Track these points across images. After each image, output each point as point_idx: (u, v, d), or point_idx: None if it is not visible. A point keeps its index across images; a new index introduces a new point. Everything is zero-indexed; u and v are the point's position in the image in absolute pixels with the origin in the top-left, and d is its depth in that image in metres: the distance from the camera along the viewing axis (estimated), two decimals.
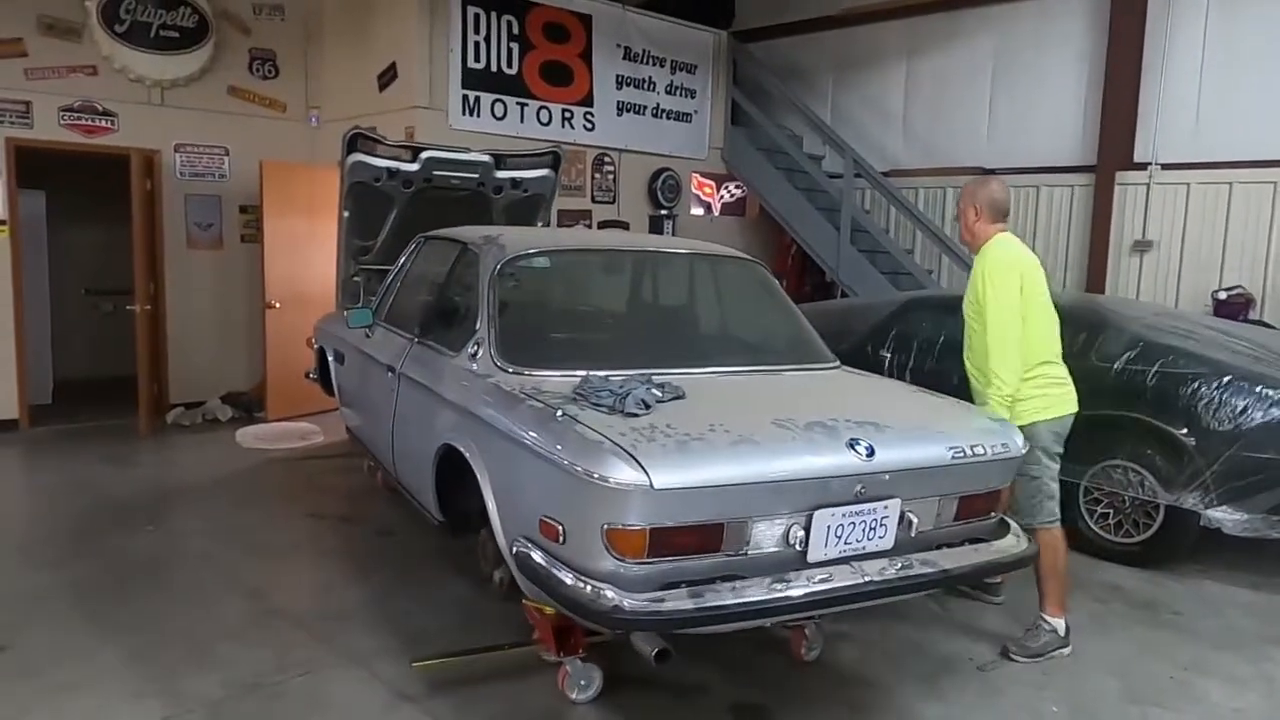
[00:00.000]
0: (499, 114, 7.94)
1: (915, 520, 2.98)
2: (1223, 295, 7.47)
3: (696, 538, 2.70)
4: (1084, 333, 5.24)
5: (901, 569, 2.90)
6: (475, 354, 3.57)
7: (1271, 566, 4.88)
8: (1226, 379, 4.64)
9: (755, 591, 2.70)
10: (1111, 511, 5.00)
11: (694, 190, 9.82)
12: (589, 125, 8.59)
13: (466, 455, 3.40)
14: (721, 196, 10.12)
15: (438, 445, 3.62)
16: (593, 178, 8.76)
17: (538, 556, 2.87)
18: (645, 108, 9.08)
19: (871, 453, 2.87)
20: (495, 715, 3.23)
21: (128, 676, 3.43)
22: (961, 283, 8.42)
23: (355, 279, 6.53)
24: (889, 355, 5.92)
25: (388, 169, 6.06)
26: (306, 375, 6.55)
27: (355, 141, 5.90)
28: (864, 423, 3.05)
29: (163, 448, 7.05)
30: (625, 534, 2.62)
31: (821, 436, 2.91)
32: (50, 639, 3.73)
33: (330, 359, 5.69)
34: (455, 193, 6.37)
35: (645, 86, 9.04)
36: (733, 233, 10.03)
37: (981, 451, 3.11)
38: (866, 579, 2.84)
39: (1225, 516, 4.58)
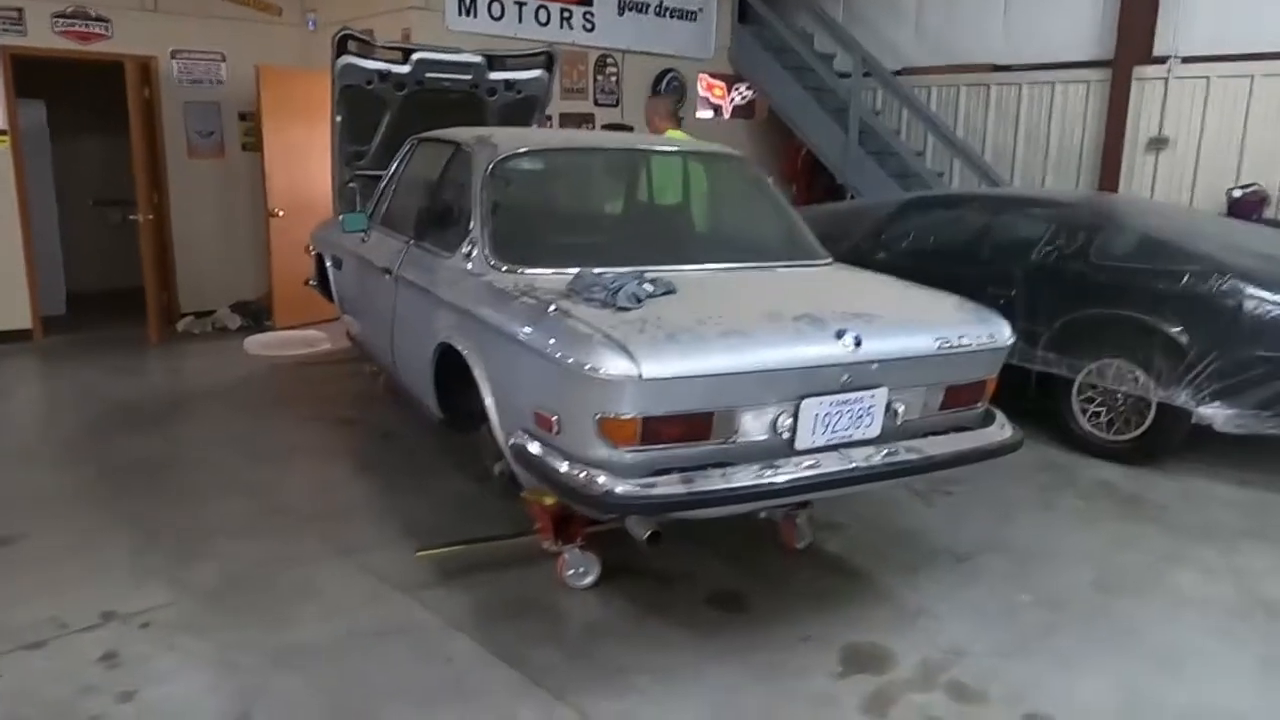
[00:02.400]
0: (496, 14, 7.76)
1: (901, 409, 3.04)
2: (1238, 193, 7.31)
3: (686, 426, 2.77)
4: (1082, 230, 5.20)
5: (887, 456, 2.98)
6: (470, 254, 3.61)
7: (1259, 463, 4.90)
8: (1221, 277, 4.59)
9: (744, 477, 2.78)
10: (1104, 410, 5.02)
11: (703, 92, 9.61)
12: (589, 25, 8.37)
13: (464, 353, 3.45)
14: (732, 99, 9.90)
15: (436, 344, 3.68)
16: (595, 80, 8.60)
17: (533, 447, 2.95)
18: (648, 6, 8.82)
19: (859, 343, 2.91)
20: (483, 601, 3.36)
21: (130, 568, 3.59)
22: (972, 184, 8.30)
23: (350, 185, 6.49)
24: (885, 255, 5.88)
25: (379, 71, 5.96)
26: (306, 283, 6.61)
27: (345, 43, 5.79)
28: (852, 314, 3.08)
29: (172, 356, 7.18)
30: (617, 423, 2.69)
31: (809, 328, 2.94)
32: (55, 534, 3.88)
33: (329, 265, 5.72)
34: (448, 95, 6.27)
35: None
36: (741, 136, 9.85)
37: (968, 342, 3.15)
38: (853, 465, 2.92)
39: (1217, 413, 4.59)
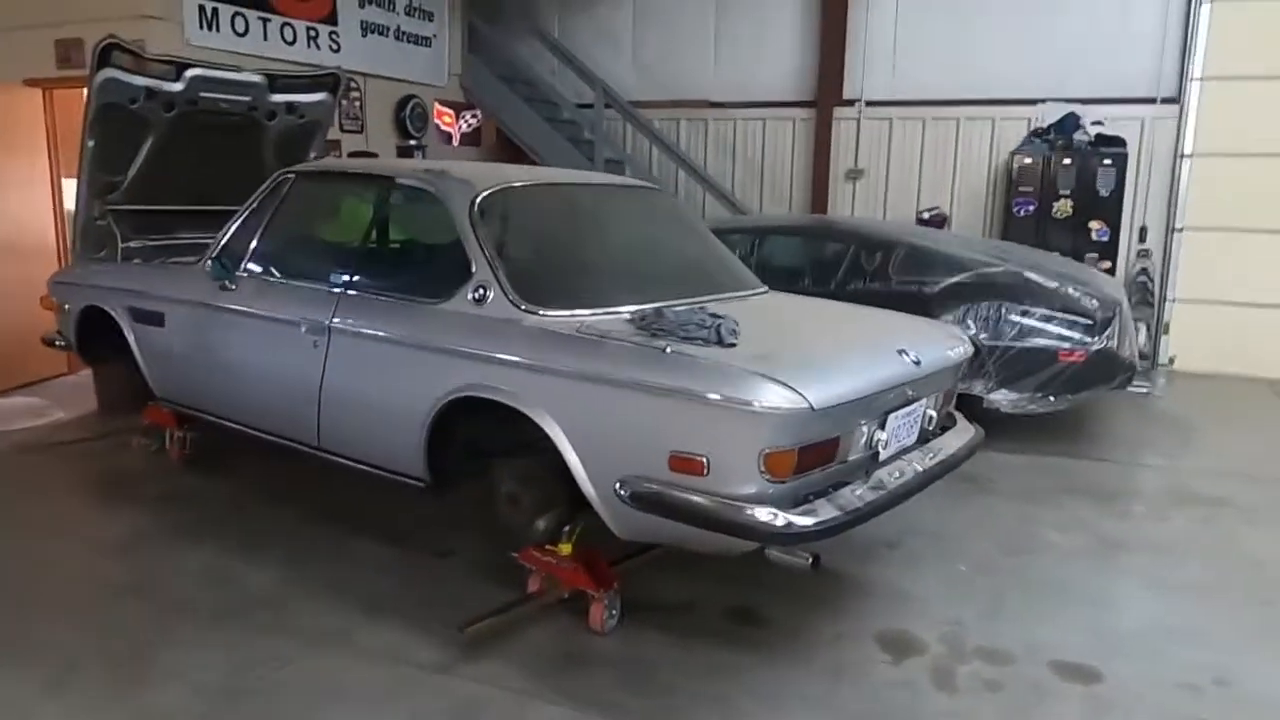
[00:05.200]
0: (240, 29, 7.01)
1: (933, 415, 3.42)
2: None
3: (822, 452, 2.91)
4: (879, 251, 6.02)
5: (933, 457, 3.36)
6: (481, 298, 3.36)
7: (1025, 436, 5.98)
8: (1004, 285, 5.65)
9: (868, 493, 2.99)
10: None
11: (434, 120, 9.41)
12: (335, 46, 7.86)
13: (518, 406, 3.17)
14: (460, 126, 9.79)
15: (443, 399, 3.35)
16: (340, 104, 8.05)
17: (672, 491, 2.86)
18: (388, 29, 8.48)
19: (919, 362, 3.22)
20: (524, 664, 3.15)
21: (70, 706, 2.85)
22: (719, 212, 9.05)
23: (100, 222, 5.57)
24: None
25: (147, 88, 5.21)
26: (50, 343, 5.54)
27: (108, 54, 4.98)
28: (890, 336, 3.43)
29: None
30: (781, 456, 2.74)
31: (878, 352, 3.20)
32: None
33: (124, 320, 4.78)
34: (223, 118, 5.64)
35: (386, 6, 8.43)
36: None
37: (962, 352, 3.63)
38: (923, 469, 3.25)
39: (1002, 398, 5.63)
